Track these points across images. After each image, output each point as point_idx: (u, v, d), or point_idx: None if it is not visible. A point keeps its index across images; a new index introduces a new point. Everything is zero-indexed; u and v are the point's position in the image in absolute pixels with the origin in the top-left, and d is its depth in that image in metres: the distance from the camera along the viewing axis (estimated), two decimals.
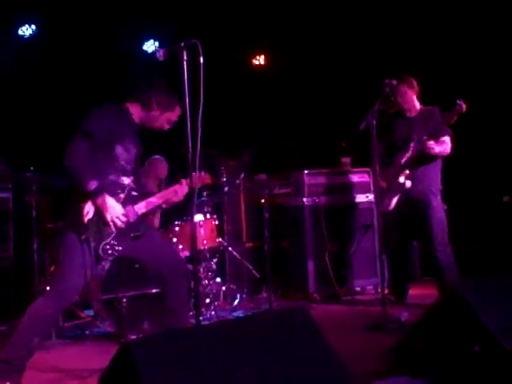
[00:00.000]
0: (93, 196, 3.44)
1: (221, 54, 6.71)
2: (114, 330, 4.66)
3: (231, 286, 5.64)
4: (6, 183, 5.22)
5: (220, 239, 5.58)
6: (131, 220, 3.59)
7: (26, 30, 6.18)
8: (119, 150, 3.59)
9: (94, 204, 3.46)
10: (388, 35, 6.83)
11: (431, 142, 4.97)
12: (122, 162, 3.62)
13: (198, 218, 5.29)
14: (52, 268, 5.05)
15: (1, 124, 5.79)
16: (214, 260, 5.47)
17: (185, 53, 3.15)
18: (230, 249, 5.71)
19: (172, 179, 3.91)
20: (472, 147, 6.06)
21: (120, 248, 3.56)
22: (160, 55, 3.28)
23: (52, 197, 5.27)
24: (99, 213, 3.47)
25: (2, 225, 5.19)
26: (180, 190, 3.72)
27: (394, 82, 4.73)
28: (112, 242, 3.53)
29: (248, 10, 6.67)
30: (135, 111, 3.70)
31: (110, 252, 3.53)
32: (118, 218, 3.51)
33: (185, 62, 3.14)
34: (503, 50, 6.14)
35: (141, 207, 3.68)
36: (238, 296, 5.56)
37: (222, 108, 6.67)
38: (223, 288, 5.55)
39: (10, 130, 5.88)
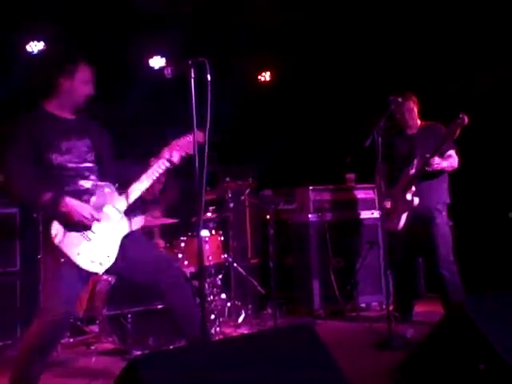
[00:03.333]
0: (53, 206, 3.13)
1: (226, 70, 6.77)
2: (119, 345, 4.65)
3: (236, 302, 5.63)
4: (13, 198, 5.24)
5: (225, 255, 5.59)
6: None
7: (35, 47, 6.22)
8: (55, 157, 3.26)
9: (59, 215, 3.14)
10: (391, 52, 6.86)
11: (436, 159, 4.99)
12: (71, 165, 3.30)
13: (204, 233, 5.30)
14: None
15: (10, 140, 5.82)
16: (219, 276, 5.47)
17: (192, 70, 3.17)
18: (235, 265, 5.72)
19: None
20: (477, 163, 6.06)
21: (108, 256, 3.29)
22: (168, 73, 3.30)
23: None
24: (70, 224, 3.17)
25: (9, 240, 5.20)
26: (163, 164, 3.46)
27: (400, 100, 4.77)
28: (97, 251, 3.26)
29: (253, 26, 6.72)
30: (52, 104, 3.39)
31: (101, 263, 3.27)
32: (87, 216, 3.20)
33: (192, 80, 3.16)
34: (504, 64, 6.16)
35: (121, 202, 3.40)
36: (243, 312, 5.55)
37: (227, 124, 6.71)
38: (228, 304, 5.54)
39: None
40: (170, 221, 5.49)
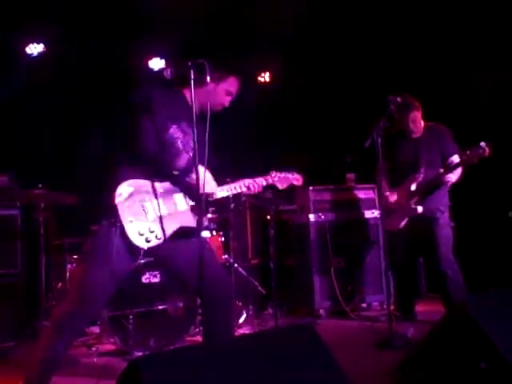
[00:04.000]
0: (188, 170, 3.22)
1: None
2: (120, 346, 4.66)
3: (237, 302, 5.64)
4: (15, 201, 5.25)
5: (226, 256, 5.60)
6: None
7: (35, 49, 6.22)
8: (174, 130, 3.32)
9: (184, 183, 3.23)
10: (392, 52, 6.87)
11: (449, 176, 4.99)
12: (179, 145, 3.33)
13: (205, 234, 5.31)
14: (59, 285, 5.08)
15: (9, 141, 5.84)
16: None
17: (192, 71, 3.18)
18: (235, 265, 5.72)
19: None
20: (478, 164, 6.07)
21: (160, 236, 3.19)
22: (167, 74, 3.31)
23: (59, 214, 5.31)
24: (140, 195, 3.17)
25: (10, 242, 5.21)
26: (267, 181, 3.59)
27: (399, 99, 4.76)
28: (150, 227, 3.18)
29: (253, 27, 6.73)
30: (190, 94, 3.27)
31: (146, 237, 3.15)
32: (209, 195, 3.26)
33: (192, 81, 3.16)
34: (504, 63, 6.17)
35: (223, 189, 3.49)
36: (244, 312, 5.56)
37: (226, 125, 6.70)
38: None
39: (18, 148, 5.92)
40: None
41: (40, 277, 4.95)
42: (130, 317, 4.59)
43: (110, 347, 4.80)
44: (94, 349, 4.79)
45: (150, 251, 3.23)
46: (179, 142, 3.33)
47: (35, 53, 6.26)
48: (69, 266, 4.97)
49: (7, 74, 5.96)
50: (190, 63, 3.15)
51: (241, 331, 5.29)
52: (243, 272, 5.77)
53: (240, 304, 5.61)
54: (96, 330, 5.09)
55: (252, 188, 3.58)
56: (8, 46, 6.10)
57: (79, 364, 4.50)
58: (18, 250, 5.25)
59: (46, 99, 6.22)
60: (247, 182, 3.59)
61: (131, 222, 3.12)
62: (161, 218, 3.23)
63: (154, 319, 4.75)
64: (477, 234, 6.34)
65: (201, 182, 3.06)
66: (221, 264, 4.26)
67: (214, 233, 5.54)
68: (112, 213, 3.10)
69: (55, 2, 5.83)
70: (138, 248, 3.15)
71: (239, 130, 7.13)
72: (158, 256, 3.46)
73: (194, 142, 3.04)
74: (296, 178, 3.76)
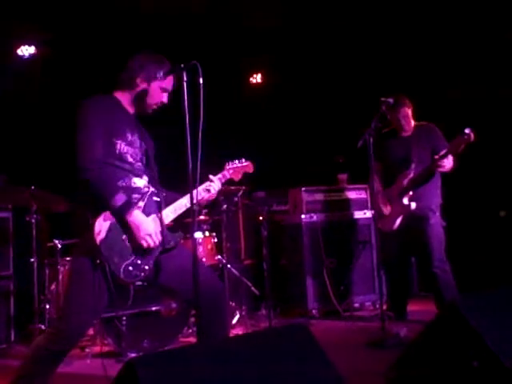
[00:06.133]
0: (122, 212, 2.98)
1: (217, 72, 6.77)
2: (114, 348, 4.66)
3: (230, 303, 5.65)
4: (7, 203, 5.25)
5: (219, 257, 5.60)
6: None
7: (26, 51, 6.21)
8: (120, 144, 3.12)
9: (122, 221, 3.00)
10: (384, 53, 6.90)
11: (444, 161, 4.97)
12: (129, 159, 3.15)
13: (197, 235, 5.31)
14: (52, 286, 5.07)
15: (1, 143, 5.82)
16: None
17: (185, 74, 3.18)
18: (228, 266, 5.73)
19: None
20: (469, 163, 6.11)
21: (146, 267, 3.08)
22: (160, 76, 3.31)
23: (51, 216, 5.30)
24: (122, 229, 3.02)
25: (2, 244, 5.21)
26: (212, 186, 3.41)
27: (391, 100, 4.79)
28: (135, 260, 3.05)
29: (245, 28, 6.74)
30: (124, 97, 3.27)
31: (134, 273, 3.04)
32: (152, 235, 3.06)
33: (185, 83, 3.17)
34: (495, 66, 6.22)
35: (168, 214, 3.23)
36: (238, 313, 5.57)
37: (219, 126, 6.71)
38: None
39: (10, 149, 5.91)
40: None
41: (32, 279, 4.94)
42: (124, 318, 4.59)
43: (103, 349, 4.79)
44: (87, 350, 4.79)
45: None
46: (129, 157, 3.16)
47: (26, 54, 6.23)
48: (61, 268, 4.96)
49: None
50: (182, 65, 3.16)
51: (234, 332, 5.30)
52: (236, 273, 5.78)
53: (233, 305, 5.62)
54: (89, 331, 5.08)
55: (213, 190, 3.44)
56: None
57: (73, 365, 4.50)
58: (10, 252, 5.25)
59: (38, 100, 6.21)
60: (204, 185, 3.43)
61: (118, 262, 3.00)
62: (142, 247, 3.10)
63: (148, 320, 4.76)
64: (468, 233, 6.38)
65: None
66: (207, 266, 4.23)
67: (207, 234, 5.55)
68: (96, 254, 2.96)
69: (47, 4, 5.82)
70: (127, 283, 3.11)
71: (230, 130, 7.15)
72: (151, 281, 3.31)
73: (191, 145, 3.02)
74: (247, 166, 3.68)
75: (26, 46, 6.24)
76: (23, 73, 6.21)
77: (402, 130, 5.35)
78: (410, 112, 5.30)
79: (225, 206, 5.68)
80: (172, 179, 3.46)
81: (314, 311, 5.94)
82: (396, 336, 4.49)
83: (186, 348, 2.86)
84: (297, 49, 7.29)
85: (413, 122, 5.35)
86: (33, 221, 5.00)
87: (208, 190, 3.42)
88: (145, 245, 3.06)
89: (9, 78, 6.06)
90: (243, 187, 5.72)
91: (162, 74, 3.26)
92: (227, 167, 3.58)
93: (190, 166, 3.12)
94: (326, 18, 6.79)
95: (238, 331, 5.33)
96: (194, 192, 3.05)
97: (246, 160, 3.71)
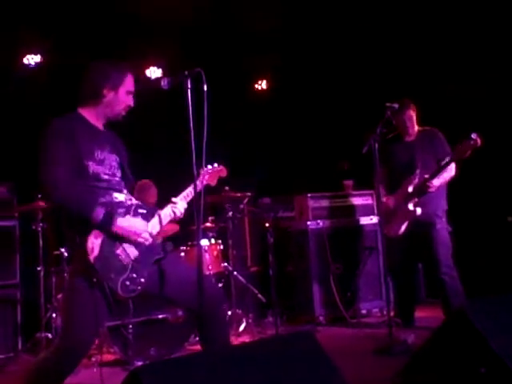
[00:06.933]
0: (105, 226, 2.95)
1: (222, 79, 6.79)
2: (121, 356, 4.65)
3: (237, 310, 5.63)
4: (13, 212, 5.26)
5: (225, 264, 5.60)
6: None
7: (32, 59, 6.23)
8: (91, 165, 3.06)
9: (111, 234, 2.98)
10: (389, 58, 6.90)
11: (433, 182, 4.99)
12: (104, 177, 3.10)
13: (203, 243, 5.31)
14: (59, 295, 5.07)
15: (7, 152, 5.84)
16: (220, 285, 5.47)
17: (189, 81, 3.18)
18: (235, 273, 5.72)
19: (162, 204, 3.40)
20: (476, 168, 6.09)
21: (142, 280, 3.05)
22: (164, 84, 3.30)
23: (57, 224, 5.31)
24: (114, 242, 3.00)
25: (8, 252, 5.22)
26: (178, 208, 3.28)
27: (396, 106, 4.78)
28: (131, 275, 3.02)
29: (250, 35, 6.75)
30: (90, 112, 3.19)
31: (131, 288, 3.02)
32: (145, 235, 3.06)
33: (189, 90, 3.17)
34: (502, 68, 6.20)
35: (155, 224, 3.18)
36: (244, 321, 5.55)
37: (224, 133, 6.72)
38: (229, 313, 5.53)
39: (17, 159, 5.93)
40: (170, 231, 5.49)
41: (39, 287, 4.95)
42: (130, 326, 4.59)
43: (110, 357, 4.79)
44: (93, 359, 4.78)
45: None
46: (103, 176, 3.10)
47: (32, 63, 6.26)
48: (68, 276, 4.96)
49: (5, 84, 5.96)
50: (186, 73, 3.16)
51: (241, 339, 5.28)
52: (242, 280, 5.77)
53: (240, 312, 5.61)
54: (96, 340, 5.08)
55: (178, 212, 3.31)
56: (5, 57, 6.10)
57: (79, 374, 4.49)
58: (16, 261, 5.26)
59: (44, 110, 6.23)
60: (185, 192, 3.36)
61: (114, 278, 2.97)
62: (136, 260, 3.08)
63: (154, 328, 4.75)
64: (476, 239, 6.35)
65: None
66: (206, 274, 4.21)
67: (213, 241, 5.54)
68: (92, 273, 2.93)
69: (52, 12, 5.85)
70: (126, 298, 3.10)
71: (235, 137, 7.16)
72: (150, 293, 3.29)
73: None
74: (221, 170, 3.61)
75: (32, 55, 6.26)
76: (29, 81, 6.23)
77: (407, 133, 5.34)
78: (414, 116, 5.30)
79: (230, 213, 5.68)
80: (176, 184, 3.45)
81: (320, 318, 5.92)
82: (403, 343, 4.46)
83: (191, 356, 2.85)
84: (302, 55, 7.30)
85: (416, 127, 5.35)
86: (39, 229, 5.02)
87: (174, 213, 3.29)
88: (146, 243, 3.09)
89: (15, 86, 6.09)
90: (249, 194, 5.73)
91: (166, 82, 3.26)
92: (202, 172, 3.45)
93: (195, 172, 3.13)
94: (330, 25, 6.81)
95: (245, 339, 5.31)
96: (191, 196, 3.08)
97: (219, 164, 3.63)
